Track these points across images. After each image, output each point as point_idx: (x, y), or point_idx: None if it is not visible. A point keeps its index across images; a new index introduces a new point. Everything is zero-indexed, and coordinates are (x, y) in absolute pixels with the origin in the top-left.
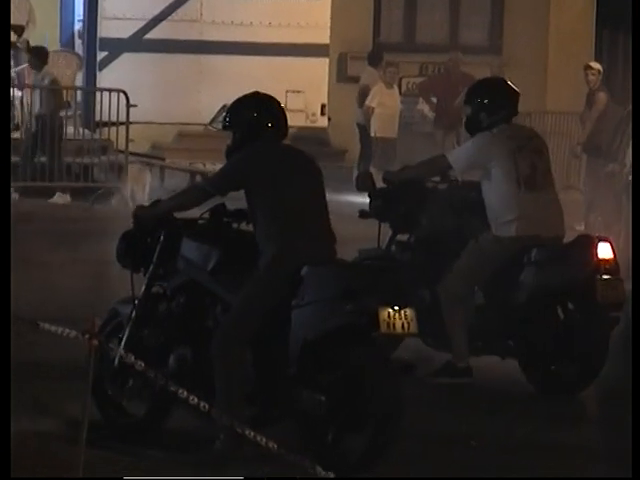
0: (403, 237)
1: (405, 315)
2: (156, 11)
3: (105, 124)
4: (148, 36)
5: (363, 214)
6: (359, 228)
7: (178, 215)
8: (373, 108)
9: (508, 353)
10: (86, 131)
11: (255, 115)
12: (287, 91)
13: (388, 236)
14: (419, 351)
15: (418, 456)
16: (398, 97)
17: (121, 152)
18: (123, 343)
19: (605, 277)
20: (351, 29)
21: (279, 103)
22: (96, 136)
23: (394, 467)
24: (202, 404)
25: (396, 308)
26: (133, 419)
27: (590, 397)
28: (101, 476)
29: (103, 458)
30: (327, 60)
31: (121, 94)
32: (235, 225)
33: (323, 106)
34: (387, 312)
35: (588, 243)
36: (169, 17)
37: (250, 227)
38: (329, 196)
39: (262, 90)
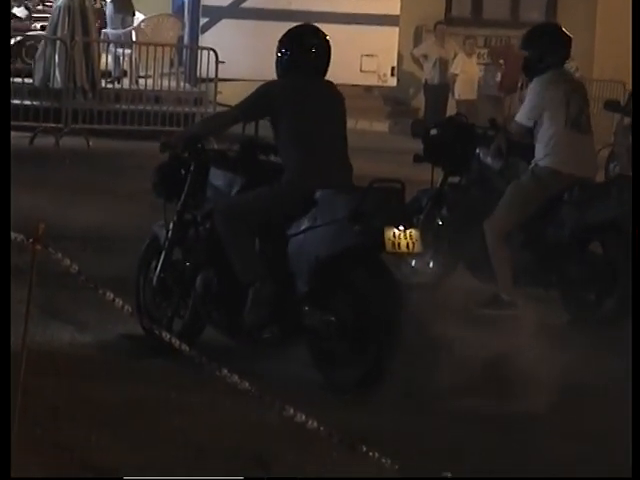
0: (454, 179)
1: (410, 235)
2: None
3: (203, 80)
4: (244, 5)
5: (417, 158)
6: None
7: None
8: (456, 75)
9: (551, 286)
10: (187, 85)
11: (302, 39)
12: (362, 55)
13: (440, 178)
14: (469, 284)
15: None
16: (476, 65)
17: (218, 104)
18: (160, 265)
19: None
20: (427, 5)
21: (325, 35)
22: (195, 90)
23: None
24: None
25: (401, 228)
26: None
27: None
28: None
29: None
30: (397, 29)
31: (211, 52)
32: (263, 157)
33: (392, 68)
34: (392, 232)
35: (625, 182)
36: None
37: (277, 159)
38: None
39: (340, 53)
